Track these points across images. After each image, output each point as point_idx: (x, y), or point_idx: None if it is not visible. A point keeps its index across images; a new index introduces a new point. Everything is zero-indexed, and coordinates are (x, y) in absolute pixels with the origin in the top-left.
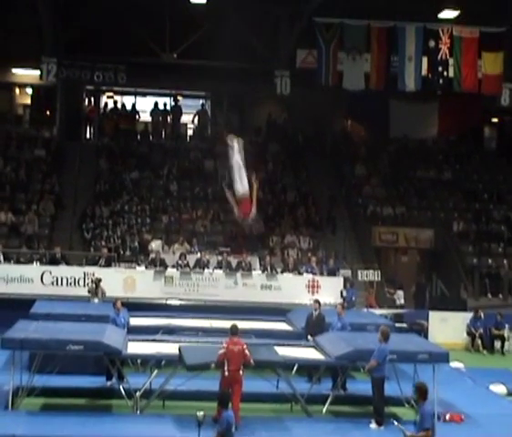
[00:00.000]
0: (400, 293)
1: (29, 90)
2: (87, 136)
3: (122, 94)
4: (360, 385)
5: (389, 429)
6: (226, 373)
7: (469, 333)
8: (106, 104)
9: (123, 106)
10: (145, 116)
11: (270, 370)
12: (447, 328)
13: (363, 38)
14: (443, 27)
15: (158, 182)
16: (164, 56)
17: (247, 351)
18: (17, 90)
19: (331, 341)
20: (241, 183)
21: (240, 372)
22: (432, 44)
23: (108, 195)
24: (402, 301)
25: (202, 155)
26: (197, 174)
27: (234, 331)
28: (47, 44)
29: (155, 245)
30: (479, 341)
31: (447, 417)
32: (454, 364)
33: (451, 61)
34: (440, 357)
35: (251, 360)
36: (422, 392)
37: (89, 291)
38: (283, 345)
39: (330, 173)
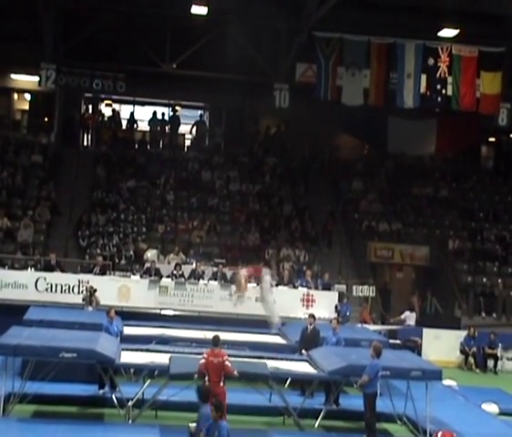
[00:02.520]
0: (413, 315)
1: (28, 96)
2: (85, 143)
3: (121, 102)
4: (353, 400)
5: None
6: (206, 384)
7: (463, 351)
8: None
9: (118, 114)
10: (143, 126)
11: (262, 383)
12: (441, 345)
13: (363, 54)
14: (442, 46)
15: (155, 192)
16: (163, 66)
17: (227, 363)
18: (16, 95)
19: (324, 356)
20: None
21: (221, 384)
22: (431, 62)
23: (105, 203)
24: (412, 323)
25: (200, 166)
26: (194, 185)
27: (216, 343)
28: (47, 50)
29: (150, 254)
30: (472, 360)
31: (439, 435)
32: (447, 382)
33: (450, 79)
34: (433, 374)
35: (235, 372)
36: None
37: (84, 299)
38: (277, 358)
39: (327, 187)
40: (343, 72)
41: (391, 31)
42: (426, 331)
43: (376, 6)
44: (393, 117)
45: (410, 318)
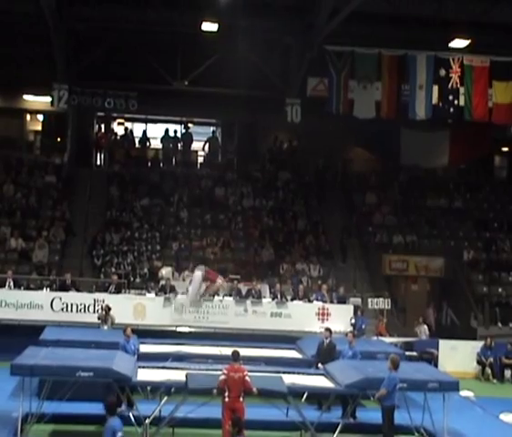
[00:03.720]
0: (425, 327)
1: (40, 117)
2: (98, 162)
3: (133, 121)
4: (370, 414)
5: None
6: (227, 400)
7: (479, 362)
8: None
9: (131, 132)
10: (156, 144)
11: (280, 398)
12: (457, 356)
13: (375, 67)
14: (454, 56)
15: (169, 209)
16: (175, 84)
17: (247, 378)
18: (28, 116)
19: (341, 369)
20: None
21: (241, 399)
22: (443, 72)
23: (119, 222)
24: (427, 335)
25: (213, 182)
26: (207, 201)
27: (235, 358)
28: (59, 70)
29: (165, 272)
30: (489, 370)
31: None
32: (464, 393)
33: (462, 90)
34: (450, 386)
35: (254, 389)
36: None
37: (99, 318)
38: (293, 373)
39: (340, 201)
40: (355, 85)
41: (402, 43)
42: (443, 343)
43: (387, 19)
44: (405, 129)
45: (425, 330)
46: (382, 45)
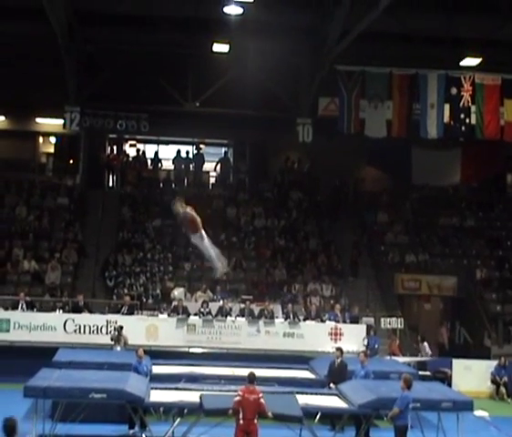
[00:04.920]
0: (425, 345)
1: (53, 139)
2: (110, 184)
3: (145, 142)
4: (383, 434)
5: None
6: (241, 422)
7: (494, 381)
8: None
9: (143, 153)
10: (167, 165)
11: (291, 422)
12: (471, 376)
13: (385, 86)
14: (465, 75)
15: (181, 230)
16: (186, 105)
17: (262, 400)
18: (41, 139)
19: (354, 389)
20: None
21: (255, 421)
22: (454, 91)
23: (131, 243)
24: (430, 353)
25: (225, 203)
26: (219, 222)
27: (251, 379)
28: (71, 93)
29: (177, 293)
30: (504, 390)
31: None
32: (478, 413)
33: (473, 108)
34: (464, 405)
35: (269, 413)
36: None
37: (112, 339)
38: (306, 393)
39: (352, 220)
40: (366, 104)
41: (412, 62)
42: (456, 362)
43: (397, 38)
44: (416, 148)
45: (425, 348)
46: (392, 64)
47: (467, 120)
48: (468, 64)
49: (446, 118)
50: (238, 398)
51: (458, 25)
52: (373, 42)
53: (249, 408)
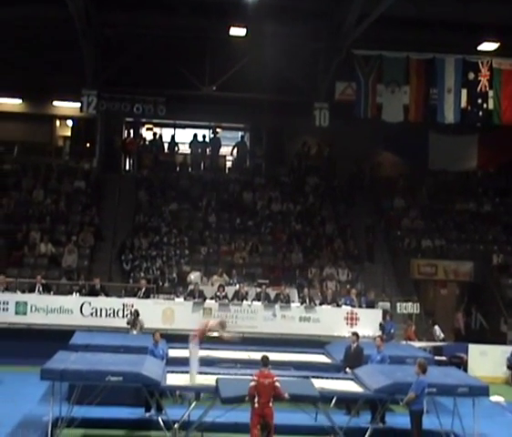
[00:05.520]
0: (435, 328)
1: (70, 122)
2: (127, 168)
3: (161, 126)
4: (399, 419)
5: None
6: (256, 405)
7: (510, 367)
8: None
9: (160, 137)
10: (184, 149)
11: (309, 403)
12: (487, 361)
13: (402, 70)
14: (482, 60)
15: (197, 214)
16: (203, 89)
17: (277, 384)
18: (58, 122)
19: (369, 374)
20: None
21: (270, 405)
22: (471, 76)
23: (147, 227)
24: (441, 336)
25: (241, 187)
26: (235, 206)
27: (265, 363)
28: (88, 76)
29: (194, 277)
30: None
31: None
32: (494, 398)
33: (490, 93)
34: (480, 391)
35: (286, 395)
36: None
37: (128, 323)
38: (322, 377)
39: (369, 205)
40: (383, 89)
41: (430, 47)
42: (472, 347)
43: (414, 23)
44: (433, 133)
45: (435, 331)
46: (409, 49)
47: (485, 105)
48: (486, 48)
49: (464, 103)
50: (253, 383)
51: (476, 10)
52: (390, 26)
53: (264, 392)
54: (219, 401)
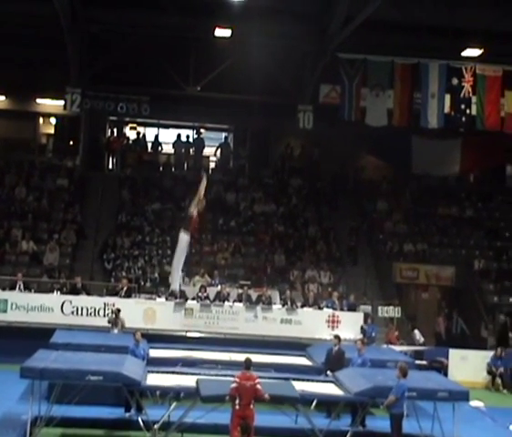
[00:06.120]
0: (415, 332)
1: (53, 120)
2: (110, 166)
3: (145, 125)
4: (379, 422)
5: None
6: (237, 407)
7: (490, 372)
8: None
9: (143, 136)
10: (168, 148)
11: (288, 405)
12: (467, 366)
13: (387, 75)
14: (466, 65)
15: (180, 214)
16: (187, 89)
17: (259, 386)
18: (41, 120)
19: (350, 377)
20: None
21: (251, 406)
22: (455, 81)
23: (130, 226)
24: (421, 340)
25: (224, 188)
26: (219, 207)
27: (248, 365)
28: (72, 74)
29: None
30: (500, 380)
31: None
32: (474, 403)
33: (474, 99)
34: (460, 395)
35: (266, 395)
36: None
37: (109, 322)
38: (303, 380)
39: (352, 208)
40: (367, 93)
41: (414, 51)
42: (453, 352)
43: (399, 27)
44: (416, 138)
45: (415, 335)
46: (394, 54)
47: (468, 111)
48: (470, 54)
49: (447, 108)
50: (234, 384)
51: (461, 16)
52: (375, 31)
53: (245, 394)
54: (199, 402)
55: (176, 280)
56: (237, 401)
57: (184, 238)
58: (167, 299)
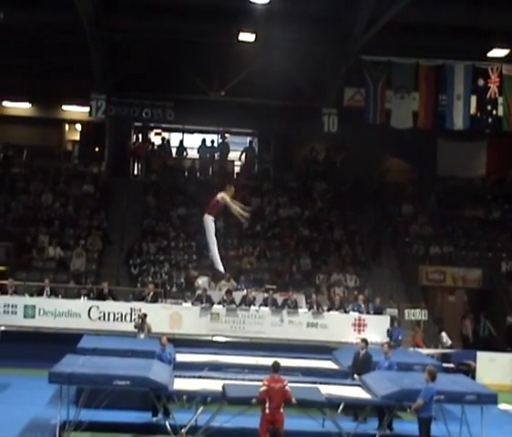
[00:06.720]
0: (442, 335)
1: (78, 126)
2: (135, 172)
3: (170, 131)
4: (406, 425)
5: None
6: (267, 411)
7: None
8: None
9: (168, 142)
10: (192, 154)
11: (315, 409)
12: (495, 369)
13: (412, 76)
14: (492, 66)
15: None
16: (212, 94)
17: (287, 388)
18: (67, 126)
19: (377, 381)
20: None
21: (281, 410)
22: (481, 82)
23: (155, 231)
24: (449, 342)
25: (249, 192)
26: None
27: (276, 369)
28: (97, 81)
29: (201, 281)
30: None
31: None
32: (502, 406)
33: (500, 100)
34: (488, 398)
35: (293, 399)
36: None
37: (136, 327)
38: (329, 383)
39: (377, 212)
40: (392, 95)
41: (439, 53)
42: (480, 355)
43: (424, 29)
44: (442, 140)
45: (442, 338)
46: (419, 55)
47: (494, 112)
48: (496, 55)
49: (473, 110)
50: (264, 388)
51: (486, 16)
52: (399, 32)
53: (275, 397)
54: (226, 406)
55: (219, 262)
56: (266, 405)
57: (208, 218)
58: (193, 303)
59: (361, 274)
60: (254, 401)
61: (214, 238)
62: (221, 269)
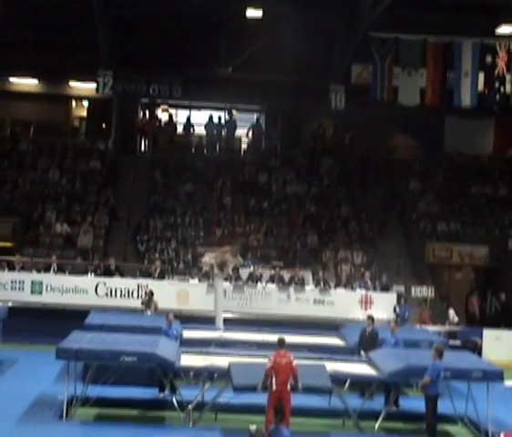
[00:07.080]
0: (450, 312)
1: (85, 103)
2: (142, 148)
3: (177, 107)
4: (412, 402)
5: None
6: (274, 387)
7: None
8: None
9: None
10: (199, 130)
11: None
12: (502, 346)
13: (419, 53)
14: (500, 42)
15: (212, 196)
16: (219, 70)
17: (294, 363)
18: (74, 103)
19: (384, 357)
20: None
21: (288, 386)
22: (489, 59)
23: (162, 208)
24: (456, 319)
25: (256, 169)
26: (251, 188)
27: (281, 344)
28: (104, 57)
29: (208, 258)
30: None
31: (502, 436)
32: (508, 383)
33: (508, 77)
34: (494, 375)
35: (300, 385)
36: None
37: (143, 303)
38: (336, 360)
39: (384, 189)
40: (400, 72)
41: (447, 30)
42: (487, 332)
43: (432, 5)
44: (449, 117)
45: (449, 315)
46: (427, 32)
47: (502, 89)
48: (504, 32)
49: (481, 87)
50: (269, 364)
51: None
52: (407, 9)
53: (281, 372)
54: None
55: (220, 320)
56: (273, 381)
57: (219, 280)
58: (200, 280)
59: (368, 251)
60: (260, 387)
61: (223, 300)
62: (221, 325)
